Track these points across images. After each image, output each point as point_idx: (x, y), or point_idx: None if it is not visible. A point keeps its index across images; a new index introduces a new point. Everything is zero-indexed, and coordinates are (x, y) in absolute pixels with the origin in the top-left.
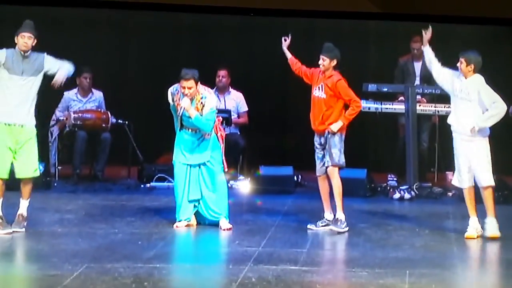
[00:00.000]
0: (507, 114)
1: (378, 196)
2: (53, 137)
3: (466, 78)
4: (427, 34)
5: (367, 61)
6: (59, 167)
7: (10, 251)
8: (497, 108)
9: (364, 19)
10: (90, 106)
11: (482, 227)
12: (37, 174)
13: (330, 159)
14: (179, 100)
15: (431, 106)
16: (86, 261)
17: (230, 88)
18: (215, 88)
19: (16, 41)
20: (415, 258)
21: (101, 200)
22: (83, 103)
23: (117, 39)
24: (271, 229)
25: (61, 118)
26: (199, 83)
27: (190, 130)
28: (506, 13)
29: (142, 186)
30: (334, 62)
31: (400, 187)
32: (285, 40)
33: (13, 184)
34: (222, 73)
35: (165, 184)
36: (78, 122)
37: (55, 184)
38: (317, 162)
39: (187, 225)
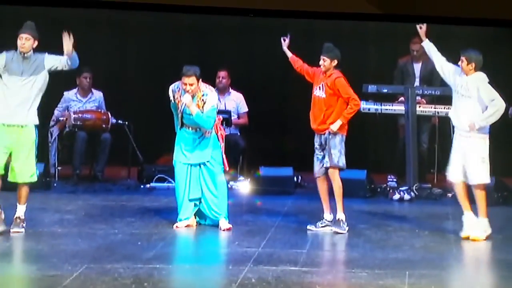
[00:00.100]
0: (507, 115)
1: (378, 197)
2: (53, 138)
3: (467, 76)
4: (422, 28)
5: (367, 62)
6: (59, 168)
7: (9, 251)
8: (495, 106)
9: (364, 20)
10: (90, 106)
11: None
12: (34, 179)
13: (329, 159)
14: (180, 97)
15: (431, 107)
16: (86, 262)
17: (230, 89)
18: (215, 89)
19: (17, 43)
20: (415, 259)
21: (101, 201)
22: (83, 103)
23: (117, 40)
24: (271, 229)
25: (61, 118)
26: (200, 80)
27: (190, 128)
28: (506, 14)
29: (142, 186)
30: (335, 62)
31: (400, 188)
32: (284, 40)
33: (14, 184)
34: (222, 74)
35: (165, 184)
36: (78, 123)
37: (55, 185)
38: (316, 163)
39: (187, 226)
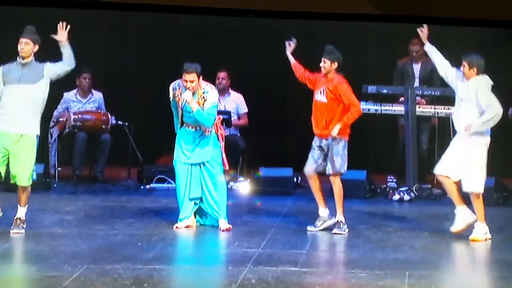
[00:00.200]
0: (507, 115)
1: (378, 198)
2: (53, 138)
3: (468, 80)
4: (423, 32)
5: (367, 62)
6: (59, 168)
7: (10, 252)
8: (491, 113)
9: (364, 20)
10: (90, 107)
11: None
12: (30, 183)
13: (332, 167)
14: (180, 95)
15: (431, 108)
16: (85, 262)
17: (230, 89)
18: None
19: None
20: (415, 259)
21: (101, 201)
22: (82, 104)
23: (116, 40)
24: (271, 230)
25: (61, 119)
26: (201, 77)
27: (190, 127)
28: (505, 15)
29: (142, 187)
30: (336, 65)
31: (400, 189)
32: (289, 44)
33: (14, 186)
34: (221, 75)
35: (165, 185)
36: (78, 123)
37: (55, 185)
38: (310, 160)
39: (187, 227)
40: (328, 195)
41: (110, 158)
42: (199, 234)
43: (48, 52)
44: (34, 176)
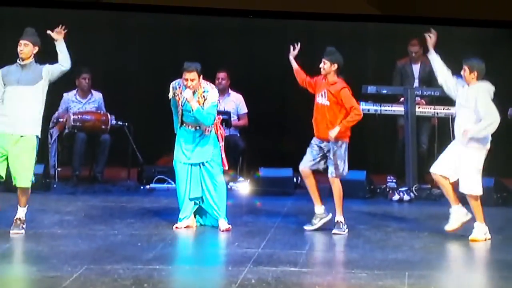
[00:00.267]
0: (506, 116)
1: (378, 198)
2: (53, 139)
3: (469, 85)
4: (432, 38)
5: (367, 63)
6: (59, 169)
7: (9, 252)
8: (487, 121)
9: (363, 21)
10: (90, 107)
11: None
12: (29, 184)
13: (335, 170)
14: (180, 94)
15: (430, 108)
16: (85, 263)
17: (229, 90)
18: None
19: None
20: (414, 259)
21: (101, 202)
22: (82, 104)
23: (116, 40)
24: (271, 230)
25: (61, 119)
26: (201, 76)
27: (190, 127)
28: (505, 15)
29: (141, 187)
30: (335, 66)
31: (400, 189)
32: (293, 49)
33: (14, 186)
34: (221, 75)
35: (165, 185)
36: (78, 124)
37: (55, 186)
38: (308, 156)
39: (187, 227)
40: (327, 195)
41: (110, 158)
42: (199, 234)
43: (48, 54)
44: (33, 178)
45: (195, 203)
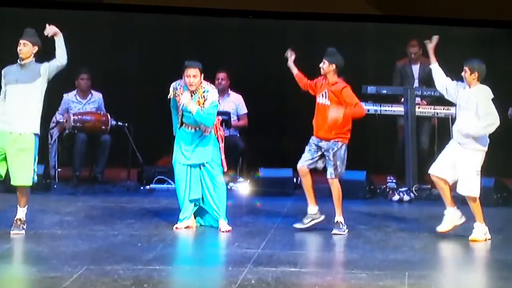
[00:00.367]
0: (506, 116)
1: (378, 198)
2: (53, 139)
3: (470, 87)
4: (432, 43)
5: (366, 63)
6: (59, 169)
7: (10, 253)
8: (488, 121)
9: (363, 21)
10: (90, 108)
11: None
12: (30, 183)
13: (335, 171)
14: (181, 94)
15: (430, 108)
16: (85, 263)
17: (229, 90)
18: None
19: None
20: (414, 260)
21: (101, 202)
22: (82, 105)
23: (116, 41)
24: (271, 231)
25: (61, 120)
26: (202, 75)
27: (190, 128)
28: (504, 15)
29: (141, 188)
30: (333, 67)
31: (400, 189)
32: (291, 55)
33: (14, 186)
34: (221, 75)
35: (165, 186)
36: (78, 124)
37: (55, 186)
38: (306, 154)
39: (187, 227)
40: (327, 195)
41: (110, 159)
42: (199, 235)
43: (48, 54)
44: (35, 177)
45: (195, 204)
